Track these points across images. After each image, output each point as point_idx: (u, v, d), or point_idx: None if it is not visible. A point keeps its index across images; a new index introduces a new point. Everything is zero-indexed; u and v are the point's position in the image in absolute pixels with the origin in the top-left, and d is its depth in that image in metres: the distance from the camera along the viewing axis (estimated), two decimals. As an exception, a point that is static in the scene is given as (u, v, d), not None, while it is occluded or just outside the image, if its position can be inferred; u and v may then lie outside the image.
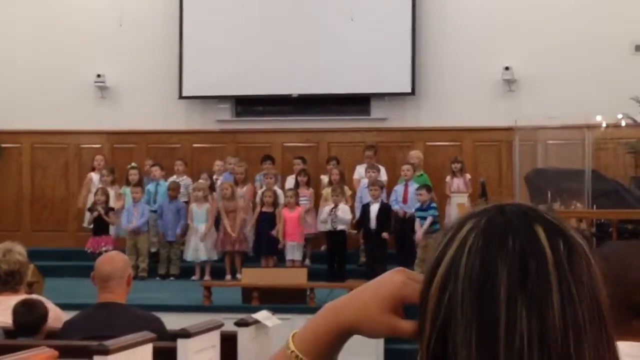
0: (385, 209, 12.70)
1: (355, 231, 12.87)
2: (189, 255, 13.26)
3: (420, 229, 12.65)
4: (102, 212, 13.12)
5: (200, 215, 13.22)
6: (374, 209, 12.61)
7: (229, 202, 13.19)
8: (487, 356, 1.14)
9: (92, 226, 13.36)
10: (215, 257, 13.25)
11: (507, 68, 14.40)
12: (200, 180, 13.68)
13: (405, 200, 13.18)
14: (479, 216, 1.22)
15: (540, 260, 1.16)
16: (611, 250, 1.89)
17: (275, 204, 13.12)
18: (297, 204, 13.03)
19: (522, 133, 13.75)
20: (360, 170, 13.86)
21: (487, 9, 14.52)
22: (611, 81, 13.82)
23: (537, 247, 1.17)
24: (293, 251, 12.93)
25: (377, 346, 9.84)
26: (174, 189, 13.65)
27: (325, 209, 12.85)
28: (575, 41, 14.15)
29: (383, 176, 13.60)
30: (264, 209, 13.15)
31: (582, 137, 13.42)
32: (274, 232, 12.92)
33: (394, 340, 9.79)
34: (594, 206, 12.29)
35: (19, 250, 5.74)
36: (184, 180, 14.14)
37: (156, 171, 14.00)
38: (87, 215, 13.70)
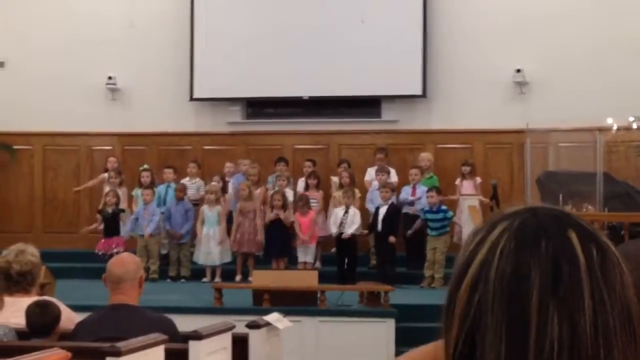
0: (393, 212, 12.70)
1: (366, 231, 12.85)
2: (201, 259, 13.24)
3: (430, 231, 12.70)
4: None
5: (211, 217, 13.22)
6: (382, 211, 12.62)
7: (246, 202, 13.19)
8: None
9: (99, 225, 13.41)
10: (226, 260, 13.24)
11: (518, 70, 14.38)
12: (213, 183, 13.69)
13: (412, 203, 13.19)
14: (511, 218, 1.21)
15: (573, 266, 1.16)
16: (630, 250, 1.86)
17: (284, 206, 13.11)
18: (310, 208, 13.04)
19: (534, 135, 13.72)
20: (371, 172, 13.87)
21: (498, 11, 14.50)
22: (622, 84, 13.79)
23: (570, 252, 1.17)
24: (305, 253, 12.93)
25: (387, 348, 9.83)
26: (181, 190, 13.66)
27: (337, 213, 12.83)
28: (587, 44, 14.12)
29: (393, 178, 13.60)
30: (274, 211, 13.14)
31: (594, 139, 13.40)
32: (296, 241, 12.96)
33: (405, 342, 9.80)
34: (606, 209, 12.27)
35: (32, 252, 5.75)
36: (197, 183, 14.15)
37: (169, 173, 14.01)
38: (99, 218, 13.69)
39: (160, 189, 13.93)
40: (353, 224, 12.68)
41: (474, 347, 1.17)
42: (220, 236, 13.15)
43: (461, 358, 1.19)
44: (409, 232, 12.96)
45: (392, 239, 12.55)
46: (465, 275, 1.20)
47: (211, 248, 13.12)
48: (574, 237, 1.18)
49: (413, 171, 13.44)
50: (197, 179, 14.22)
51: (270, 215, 13.09)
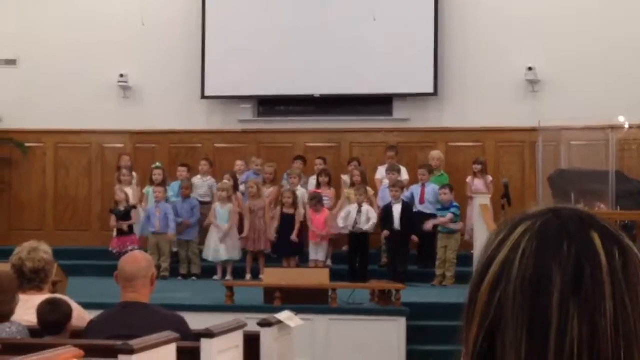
0: (408, 210, 12.68)
1: (387, 232, 12.72)
2: (210, 256, 13.24)
3: (437, 221, 12.66)
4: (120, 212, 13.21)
5: (223, 215, 13.21)
6: (397, 209, 12.60)
7: (255, 200, 13.19)
8: None
9: (117, 226, 13.37)
10: (235, 257, 13.23)
11: (530, 68, 14.33)
12: (224, 181, 13.69)
13: (422, 201, 13.16)
14: (533, 219, 1.21)
15: (595, 267, 1.16)
16: None
17: (295, 204, 13.11)
18: (322, 206, 13.03)
19: (546, 134, 13.69)
20: (382, 171, 13.85)
21: (510, 9, 14.46)
22: (635, 82, 13.74)
23: (593, 253, 1.17)
24: (317, 251, 12.92)
25: (399, 347, 9.83)
26: (187, 188, 13.67)
27: (350, 211, 12.79)
28: (599, 42, 14.07)
29: (404, 176, 13.58)
30: (284, 210, 13.14)
31: (606, 138, 13.36)
32: (293, 237, 12.93)
33: (417, 340, 9.79)
34: (618, 207, 12.24)
35: (45, 249, 5.76)
36: (208, 181, 14.16)
37: (183, 172, 14.01)
38: (113, 217, 13.69)
39: (174, 186, 13.94)
40: (369, 221, 12.63)
41: (494, 345, 1.17)
42: (227, 232, 13.13)
43: (481, 357, 1.18)
44: (428, 226, 12.77)
45: (414, 238, 12.56)
46: (486, 274, 1.20)
47: (218, 245, 13.12)
48: (596, 238, 1.18)
49: (420, 171, 13.42)
50: (209, 177, 14.23)
51: (276, 213, 13.13)
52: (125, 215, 13.26)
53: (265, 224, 13.17)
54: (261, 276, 12.06)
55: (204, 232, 13.53)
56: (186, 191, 13.64)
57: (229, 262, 13.19)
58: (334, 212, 13.27)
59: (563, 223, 1.20)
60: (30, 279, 5.65)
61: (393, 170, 13.39)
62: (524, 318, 1.15)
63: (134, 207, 13.42)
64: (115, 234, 13.35)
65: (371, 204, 12.94)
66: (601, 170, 12.99)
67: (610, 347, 1.13)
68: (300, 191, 13.47)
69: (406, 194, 13.18)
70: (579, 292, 1.14)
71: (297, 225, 13.00)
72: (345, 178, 13.81)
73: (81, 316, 5.57)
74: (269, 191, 13.57)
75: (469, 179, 13.62)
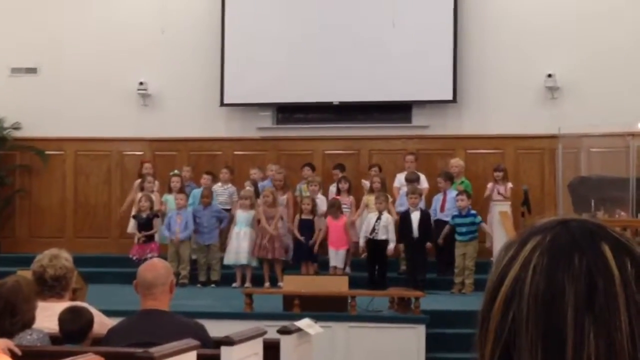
0: (426, 218, 12.65)
1: (402, 246, 12.73)
2: (231, 259, 13.21)
3: (459, 236, 12.65)
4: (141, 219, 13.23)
5: (245, 219, 13.20)
6: (415, 217, 12.57)
7: (269, 208, 13.19)
8: None
9: (137, 232, 13.35)
10: (254, 262, 13.21)
11: (550, 75, 14.29)
12: (247, 188, 13.70)
13: (442, 209, 13.14)
14: (543, 233, 1.20)
15: (607, 281, 1.15)
16: None
17: (314, 211, 13.10)
18: (342, 213, 13.02)
19: (565, 141, 13.65)
20: (400, 178, 13.83)
21: (529, 15, 14.43)
22: (655, 88, 13.68)
23: (604, 266, 1.16)
24: (336, 259, 12.90)
25: (418, 354, 9.80)
26: (207, 196, 13.67)
27: (370, 220, 12.77)
28: (619, 48, 14.02)
29: (424, 184, 13.57)
30: (303, 216, 13.13)
31: (626, 144, 13.30)
32: (311, 242, 12.93)
33: (436, 348, 9.76)
34: (639, 215, 12.17)
35: (65, 256, 5.78)
36: (229, 188, 14.18)
37: (208, 179, 14.03)
38: (132, 222, 13.73)
39: (196, 192, 13.98)
40: (386, 233, 12.59)
41: None
42: (250, 235, 13.11)
43: None
44: (440, 240, 12.87)
45: (429, 245, 12.55)
46: (498, 292, 1.19)
47: (241, 247, 13.11)
48: (607, 250, 1.17)
49: (437, 179, 13.41)
50: (229, 185, 14.24)
51: (295, 224, 13.14)
52: (146, 223, 13.28)
53: (278, 232, 13.13)
54: (280, 283, 12.06)
55: (224, 238, 13.55)
56: (206, 199, 13.64)
57: (248, 267, 13.17)
58: (353, 218, 13.28)
59: (573, 236, 1.19)
60: (51, 286, 5.66)
61: (412, 177, 13.37)
62: (539, 335, 1.14)
63: (157, 215, 13.43)
64: (136, 240, 13.37)
65: (389, 212, 12.90)
66: (621, 177, 12.93)
67: None
68: (320, 199, 13.47)
69: (432, 206, 13.18)
70: (593, 307, 1.14)
71: (319, 236, 12.95)
72: (365, 183, 13.80)
73: (104, 323, 5.58)
74: (282, 198, 13.56)
75: (489, 185, 13.58)
